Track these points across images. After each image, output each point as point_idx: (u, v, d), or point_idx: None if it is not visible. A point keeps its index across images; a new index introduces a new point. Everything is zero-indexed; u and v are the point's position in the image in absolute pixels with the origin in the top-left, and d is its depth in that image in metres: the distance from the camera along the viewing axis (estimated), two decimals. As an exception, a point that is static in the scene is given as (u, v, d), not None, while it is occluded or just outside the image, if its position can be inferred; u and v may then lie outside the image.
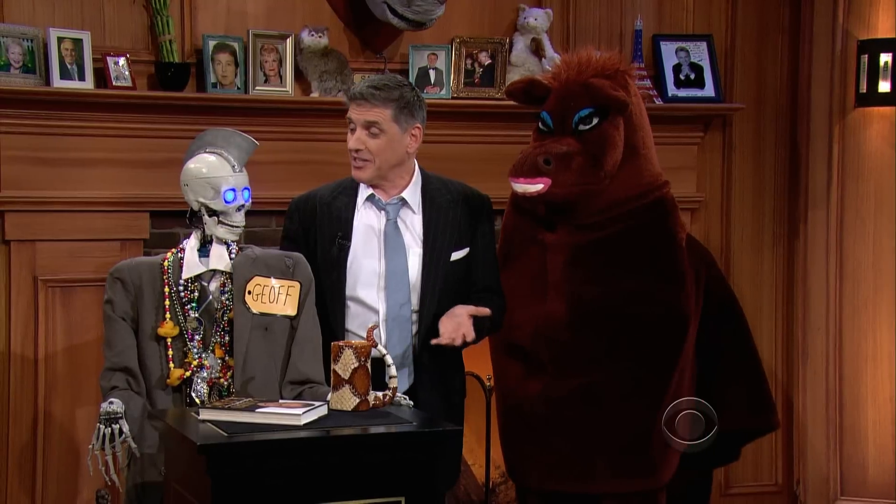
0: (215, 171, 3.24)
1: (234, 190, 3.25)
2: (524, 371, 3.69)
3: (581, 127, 3.63)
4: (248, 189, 3.29)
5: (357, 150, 3.37)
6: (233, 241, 3.29)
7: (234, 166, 3.27)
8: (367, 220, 3.45)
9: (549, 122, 3.70)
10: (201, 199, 3.25)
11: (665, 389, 3.66)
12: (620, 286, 3.64)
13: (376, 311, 3.41)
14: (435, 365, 3.44)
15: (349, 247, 3.42)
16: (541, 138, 3.73)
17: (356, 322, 3.41)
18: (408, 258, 3.42)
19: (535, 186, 3.57)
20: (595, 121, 3.62)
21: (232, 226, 3.26)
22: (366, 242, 3.43)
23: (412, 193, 3.46)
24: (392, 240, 3.42)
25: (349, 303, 3.42)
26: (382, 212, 3.45)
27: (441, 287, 3.42)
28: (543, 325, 3.66)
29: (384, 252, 3.42)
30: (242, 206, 3.27)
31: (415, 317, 3.43)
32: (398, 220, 3.44)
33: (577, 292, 3.65)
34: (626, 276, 3.65)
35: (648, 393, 3.64)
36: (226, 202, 3.24)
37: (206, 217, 3.26)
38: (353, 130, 3.40)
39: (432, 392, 3.44)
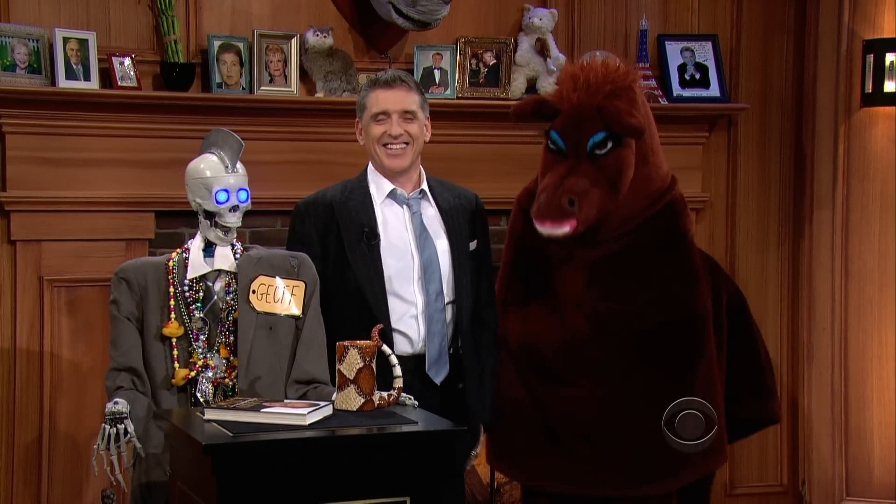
0: (208, 172, 3.24)
1: (226, 191, 3.23)
2: (546, 383, 3.67)
3: (597, 152, 3.58)
4: (244, 190, 3.26)
5: (397, 136, 3.40)
6: (225, 244, 3.27)
7: (227, 167, 3.25)
8: (391, 215, 3.47)
9: (561, 143, 3.63)
10: (198, 200, 3.25)
11: (686, 392, 3.64)
12: (638, 297, 3.62)
13: (414, 304, 3.43)
14: (469, 354, 3.47)
15: (379, 242, 3.42)
16: (553, 158, 3.65)
17: (393, 317, 3.41)
18: (437, 249, 3.44)
19: (562, 230, 3.52)
20: (610, 145, 3.57)
21: (223, 227, 3.25)
22: (395, 237, 3.45)
23: (427, 187, 3.51)
24: (421, 232, 3.45)
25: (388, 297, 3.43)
26: (405, 206, 3.47)
27: (471, 275, 3.47)
28: (565, 341, 3.64)
29: (415, 245, 3.44)
30: (236, 206, 3.25)
31: (449, 308, 3.46)
32: (421, 213, 3.47)
33: (596, 309, 3.62)
34: (643, 285, 3.63)
35: (669, 397, 3.63)
36: (217, 203, 3.23)
37: (201, 218, 3.26)
38: (381, 119, 3.40)
39: (468, 382, 3.47)
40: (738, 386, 3.84)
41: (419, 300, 3.43)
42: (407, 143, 3.42)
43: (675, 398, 3.61)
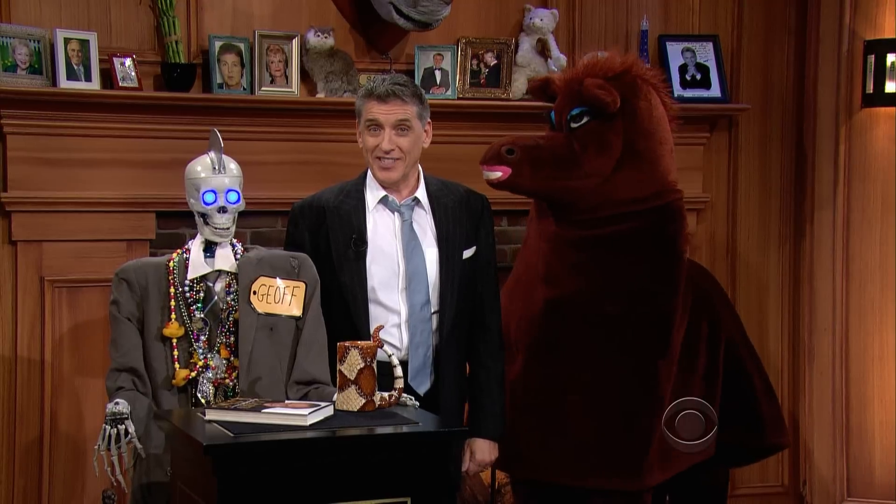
0: (198, 173, 3.25)
1: (213, 191, 3.22)
2: (511, 360, 3.71)
3: (573, 125, 3.67)
4: (234, 191, 3.24)
5: (388, 152, 3.37)
6: (223, 242, 3.26)
7: (215, 168, 3.25)
8: (381, 223, 3.44)
9: (552, 119, 3.76)
10: (191, 200, 3.26)
11: (643, 387, 3.65)
12: (602, 283, 3.65)
13: (397, 313, 3.41)
14: (454, 365, 3.46)
15: (366, 250, 3.41)
16: None
17: (375, 325, 3.39)
18: (426, 258, 3.43)
19: (494, 174, 3.64)
20: (585, 119, 3.64)
21: (215, 227, 3.25)
22: (383, 245, 3.42)
23: (422, 193, 3.48)
24: (409, 241, 3.42)
25: (370, 305, 3.42)
26: (396, 213, 3.44)
27: (458, 285, 3.43)
28: (526, 314, 3.70)
29: (402, 253, 3.42)
30: (224, 208, 3.23)
31: (434, 317, 3.44)
32: (413, 221, 3.45)
33: (558, 284, 3.67)
34: (612, 274, 3.65)
35: (625, 392, 3.64)
36: (204, 203, 3.22)
37: (197, 217, 3.26)
38: (373, 131, 3.38)
39: (452, 392, 3.45)
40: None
41: (403, 309, 3.40)
42: (399, 158, 3.38)
43: (633, 392, 3.63)
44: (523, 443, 3.69)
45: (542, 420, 3.68)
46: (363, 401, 2.98)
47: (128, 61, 4.11)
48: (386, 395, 3.06)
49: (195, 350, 3.22)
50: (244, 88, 4.27)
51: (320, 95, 4.36)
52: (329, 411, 2.94)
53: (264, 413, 2.88)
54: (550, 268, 3.70)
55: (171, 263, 3.26)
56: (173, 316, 3.22)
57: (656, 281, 3.66)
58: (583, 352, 3.65)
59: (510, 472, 3.91)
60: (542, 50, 4.63)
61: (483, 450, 3.51)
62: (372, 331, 3.11)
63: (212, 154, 3.27)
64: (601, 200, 3.64)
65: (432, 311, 3.43)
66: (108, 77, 4.09)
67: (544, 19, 4.59)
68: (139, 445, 3.05)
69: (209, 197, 3.22)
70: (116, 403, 3.05)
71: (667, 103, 3.79)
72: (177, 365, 3.21)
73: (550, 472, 3.70)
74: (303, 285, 3.26)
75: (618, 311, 3.63)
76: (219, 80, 4.23)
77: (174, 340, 3.21)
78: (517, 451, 3.69)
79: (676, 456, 3.74)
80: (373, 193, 3.46)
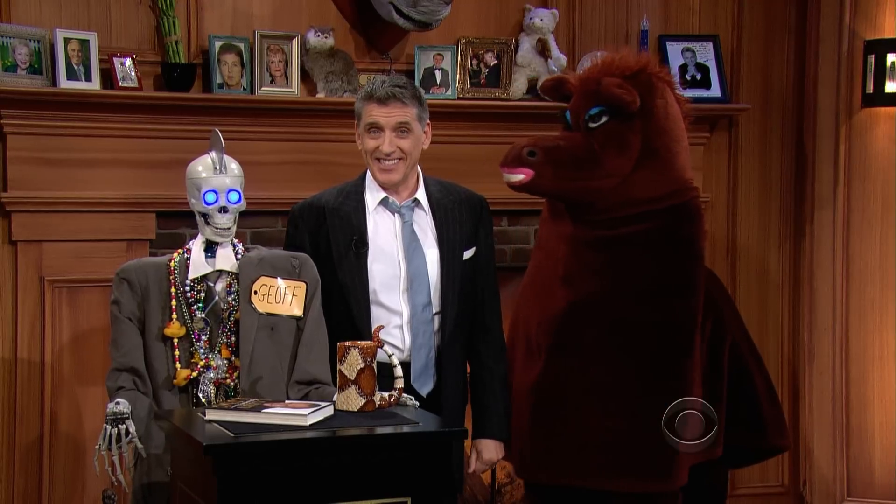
0: (199, 173, 3.25)
1: (214, 191, 3.23)
2: (524, 359, 3.70)
3: (591, 124, 3.64)
4: (235, 191, 3.25)
5: (388, 154, 3.37)
6: (224, 241, 3.26)
7: (216, 168, 3.25)
8: (382, 224, 3.44)
9: (568, 119, 3.73)
10: (192, 200, 3.26)
11: (649, 395, 3.65)
12: (620, 285, 3.64)
13: (399, 314, 3.41)
14: (456, 365, 3.46)
15: (367, 251, 3.41)
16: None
17: (376, 326, 3.39)
18: (426, 259, 3.43)
19: (516, 177, 3.59)
20: (604, 119, 3.62)
21: (216, 227, 3.25)
22: (384, 246, 3.42)
23: (422, 194, 3.48)
24: (410, 242, 3.42)
25: (371, 307, 3.42)
26: (396, 214, 3.44)
27: (459, 286, 3.43)
28: (547, 316, 3.69)
29: (403, 255, 3.42)
30: (225, 208, 3.24)
31: (436, 318, 3.43)
32: (413, 223, 3.45)
33: (577, 285, 3.66)
34: (629, 276, 3.64)
35: (636, 395, 3.64)
36: (205, 203, 3.23)
37: (198, 217, 3.26)
38: (374, 133, 3.38)
39: (454, 392, 3.45)
40: None
41: (404, 310, 3.41)
42: (400, 159, 3.38)
43: (638, 396, 3.62)
44: (545, 446, 3.66)
45: (563, 423, 3.65)
46: (363, 401, 2.98)
47: (128, 61, 4.11)
48: (386, 395, 3.06)
49: (196, 350, 3.23)
50: (244, 88, 4.27)
51: (320, 95, 4.36)
52: (329, 411, 2.94)
53: (264, 413, 2.88)
54: (569, 269, 3.68)
55: (172, 263, 3.27)
56: (174, 316, 3.22)
57: (675, 281, 3.65)
58: (605, 353, 3.63)
59: (530, 478, 3.84)
60: (543, 50, 4.63)
61: (490, 449, 3.52)
62: (372, 331, 3.11)
63: (213, 154, 3.27)
64: (619, 200, 3.62)
65: (434, 312, 3.43)
66: (108, 77, 4.09)
67: (544, 19, 4.59)
68: (140, 445, 3.05)
69: (210, 197, 3.22)
70: (117, 403, 3.05)
71: (681, 101, 3.79)
72: (178, 365, 3.21)
73: (556, 473, 3.67)
74: (304, 285, 3.27)
75: (637, 312, 3.61)
76: (219, 80, 4.23)
77: (175, 340, 3.22)
78: (537, 455, 3.66)
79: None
80: (372, 195, 3.46)
